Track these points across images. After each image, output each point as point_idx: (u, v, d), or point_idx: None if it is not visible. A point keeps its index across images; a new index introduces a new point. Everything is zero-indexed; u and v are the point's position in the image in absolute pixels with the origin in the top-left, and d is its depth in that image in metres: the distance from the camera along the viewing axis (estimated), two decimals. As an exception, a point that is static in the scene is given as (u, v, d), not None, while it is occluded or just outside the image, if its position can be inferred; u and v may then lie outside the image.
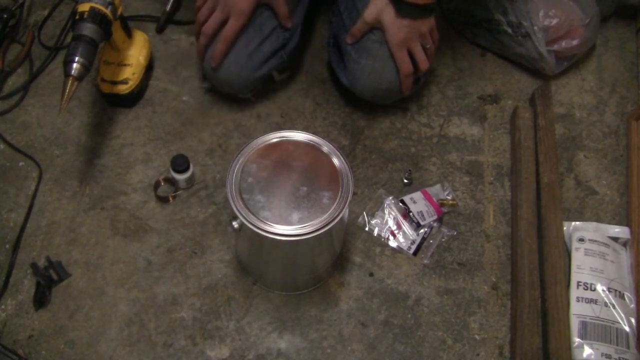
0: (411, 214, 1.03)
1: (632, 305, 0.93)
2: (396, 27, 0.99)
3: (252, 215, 0.77)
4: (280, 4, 1.03)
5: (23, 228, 1.01)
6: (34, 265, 0.97)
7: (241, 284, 0.98)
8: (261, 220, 0.77)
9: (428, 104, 1.18)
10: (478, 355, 0.93)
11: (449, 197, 1.06)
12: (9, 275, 0.96)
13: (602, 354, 0.88)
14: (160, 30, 1.26)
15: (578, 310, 0.92)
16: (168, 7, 1.26)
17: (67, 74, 0.93)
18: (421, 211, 1.03)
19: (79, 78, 0.93)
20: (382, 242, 1.03)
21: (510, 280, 0.99)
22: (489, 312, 0.97)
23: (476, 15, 1.22)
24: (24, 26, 1.25)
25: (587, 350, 0.89)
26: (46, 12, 1.28)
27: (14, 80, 1.18)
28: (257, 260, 0.94)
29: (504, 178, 1.10)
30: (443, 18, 1.29)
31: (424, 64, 1.04)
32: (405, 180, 1.08)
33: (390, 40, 1.00)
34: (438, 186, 1.08)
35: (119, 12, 1.02)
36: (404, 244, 1.02)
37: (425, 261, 1.01)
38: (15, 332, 0.92)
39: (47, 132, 1.12)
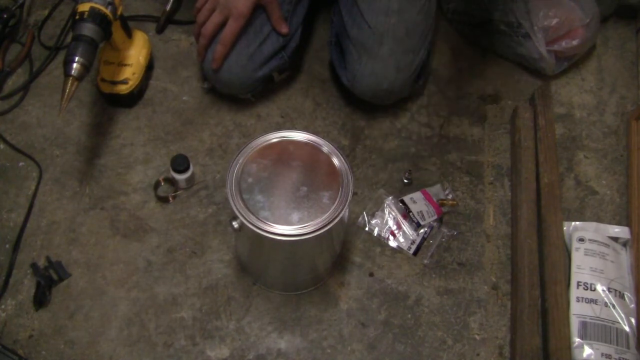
0: (411, 214, 1.03)
1: (632, 305, 0.93)
2: None
3: (252, 215, 0.77)
4: (274, 9, 1.03)
5: (23, 228, 1.01)
6: (34, 265, 0.97)
7: (241, 284, 0.98)
8: (261, 220, 0.77)
9: (428, 104, 1.18)
10: (478, 355, 0.93)
11: (449, 197, 1.06)
12: (9, 275, 0.96)
13: (602, 354, 0.88)
14: (160, 30, 1.26)
15: (578, 310, 0.92)
16: (168, 7, 1.26)
17: (67, 74, 0.93)
18: (421, 211, 1.03)
19: (79, 78, 0.93)
20: (382, 242, 1.03)
21: (510, 280, 0.99)
22: (489, 312, 0.97)
23: (476, 15, 1.22)
24: (24, 26, 1.25)
25: (587, 350, 0.89)
26: (46, 12, 1.28)
27: (14, 80, 1.18)
28: (257, 260, 0.94)
29: (504, 178, 1.10)
30: (443, 18, 1.29)
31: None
32: (405, 180, 1.08)
33: None
34: (438, 186, 1.08)
35: (119, 12, 1.02)
36: (404, 244, 1.02)
37: (425, 261, 1.01)
38: (15, 332, 0.92)
39: (47, 132, 1.12)
